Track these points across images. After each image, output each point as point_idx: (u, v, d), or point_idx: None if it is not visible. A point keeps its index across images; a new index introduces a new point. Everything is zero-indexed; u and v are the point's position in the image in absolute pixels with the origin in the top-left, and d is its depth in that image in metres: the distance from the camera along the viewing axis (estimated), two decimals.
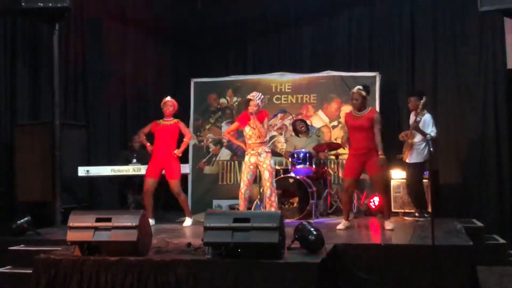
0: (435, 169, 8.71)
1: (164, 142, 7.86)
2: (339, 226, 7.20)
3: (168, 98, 8.05)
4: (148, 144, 7.96)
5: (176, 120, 8.04)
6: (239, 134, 8.36)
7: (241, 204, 7.60)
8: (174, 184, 7.85)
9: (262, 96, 7.73)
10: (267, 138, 7.86)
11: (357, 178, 7.24)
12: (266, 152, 7.68)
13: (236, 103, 10.43)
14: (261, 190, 7.81)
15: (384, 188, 7.28)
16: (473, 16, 9.17)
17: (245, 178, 7.61)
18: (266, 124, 7.64)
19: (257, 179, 7.85)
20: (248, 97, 7.71)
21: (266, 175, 7.60)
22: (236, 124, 7.88)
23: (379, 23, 10.29)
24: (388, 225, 7.00)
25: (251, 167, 7.63)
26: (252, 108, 7.55)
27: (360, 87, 7.15)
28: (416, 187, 8.06)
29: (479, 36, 9.45)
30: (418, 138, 7.89)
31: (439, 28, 9.78)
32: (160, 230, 7.26)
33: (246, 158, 7.70)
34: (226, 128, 8.25)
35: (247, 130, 7.64)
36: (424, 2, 9.93)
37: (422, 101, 7.74)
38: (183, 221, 8.06)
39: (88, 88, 9.39)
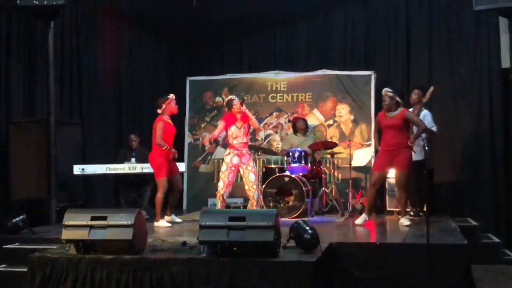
0: (430, 168, 8.72)
1: (172, 140, 7.76)
2: (357, 221, 7.36)
3: (173, 95, 7.88)
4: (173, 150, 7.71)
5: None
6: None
7: (219, 206, 7.54)
8: (179, 178, 7.95)
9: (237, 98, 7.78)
10: (263, 136, 7.86)
11: (385, 173, 7.53)
12: (249, 154, 7.69)
13: None
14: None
15: (405, 186, 7.32)
16: (468, 15, 9.21)
17: (226, 179, 7.54)
18: (254, 118, 7.65)
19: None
20: (227, 99, 7.76)
21: (252, 177, 7.59)
22: (222, 124, 7.77)
23: (374, 22, 10.31)
24: (405, 221, 7.19)
25: (233, 168, 7.59)
26: (238, 108, 7.54)
27: (388, 89, 7.39)
28: (415, 185, 8.03)
29: (474, 35, 9.47)
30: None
31: (434, 26, 9.80)
32: (155, 228, 7.26)
33: (228, 158, 7.63)
34: (214, 133, 7.95)
35: (233, 129, 7.62)
36: (419, 1, 9.94)
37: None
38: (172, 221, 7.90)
39: (83, 85, 9.36)
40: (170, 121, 7.81)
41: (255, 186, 7.60)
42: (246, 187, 7.69)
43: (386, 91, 7.36)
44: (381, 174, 7.36)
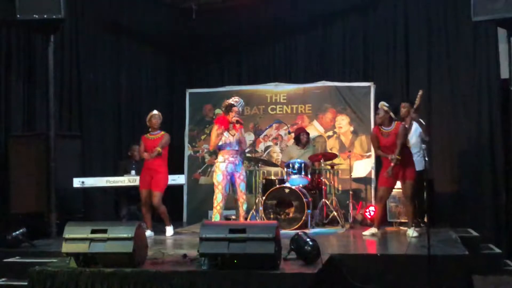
0: (430, 178, 8.71)
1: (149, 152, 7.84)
2: (365, 232, 7.43)
3: (155, 111, 8.05)
4: (154, 152, 7.80)
5: (163, 132, 8.03)
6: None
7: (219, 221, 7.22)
8: (156, 195, 7.76)
9: (243, 103, 7.67)
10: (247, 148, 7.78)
11: (391, 188, 7.53)
12: (241, 162, 7.55)
13: None
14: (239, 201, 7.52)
15: (412, 197, 7.41)
16: (467, 26, 9.22)
17: (223, 191, 7.27)
18: (243, 134, 7.56)
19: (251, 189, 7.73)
20: (231, 101, 7.50)
21: (243, 187, 7.41)
22: (216, 128, 7.44)
23: (373, 33, 10.34)
24: (413, 233, 7.17)
25: (228, 177, 7.34)
26: (234, 116, 7.38)
27: (385, 103, 7.52)
28: (415, 197, 8.04)
29: (472, 45, 9.50)
30: (414, 146, 7.92)
31: (433, 37, 9.83)
32: (155, 241, 7.25)
33: (223, 166, 7.33)
34: (211, 142, 7.64)
35: (226, 135, 7.40)
36: (418, 12, 9.98)
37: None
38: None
39: (82, 98, 9.37)
40: (153, 136, 7.96)
41: (244, 196, 7.44)
42: (236, 196, 7.49)
43: (383, 104, 7.52)
44: (388, 189, 7.44)
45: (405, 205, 7.75)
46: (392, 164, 7.19)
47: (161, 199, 7.82)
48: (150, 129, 8.02)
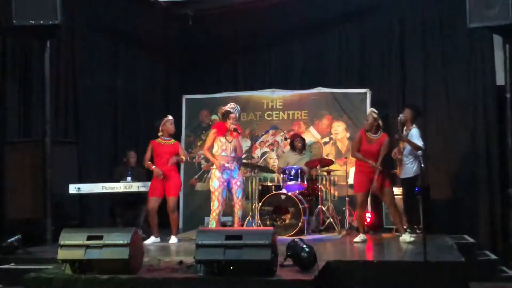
0: (426, 185, 8.71)
1: (166, 161, 7.81)
2: (356, 239, 7.42)
3: (170, 117, 8.02)
4: (153, 167, 7.78)
5: (175, 140, 8.04)
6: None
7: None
8: (172, 201, 7.79)
9: (239, 108, 7.67)
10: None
11: (368, 192, 7.55)
12: (238, 168, 7.54)
13: None
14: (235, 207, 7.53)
15: (393, 203, 7.52)
16: (463, 33, 9.25)
17: (220, 197, 7.27)
18: (240, 142, 7.56)
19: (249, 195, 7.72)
20: (227, 108, 7.50)
21: (239, 193, 7.40)
22: (213, 132, 7.51)
23: (369, 40, 10.36)
24: (407, 237, 7.26)
25: (224, 183, 7.33)
26: (232, 123, 7.37)
27: (375, 110, 7.56)
28: (409, 203, 8.05)
29: (468, 53, 9.53)
30: (406, 153, 7.91)
31: (428, 45, 9.86)
32: (151, 248, 7.22)
33: (218, 172, 7.33)
34: (205, 145, 7.70)
35: (223, 140, 7.41)
36: (414, 19, 10.01)
37: (407, 115, 7.82)
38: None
39: (78, 105, 9.36)
40: (166, 141, 7.90)
41: (241, 203, 7.45)
42: (232, 203, 7.49)
43: (372, 111, 7.56)
44: (365, 194, 7.49)
45: (390, 213, 7.74)
46: (375, 174, 7.26)
47: (176, 204, 7.91)
48: (160, 134, 7.90)
